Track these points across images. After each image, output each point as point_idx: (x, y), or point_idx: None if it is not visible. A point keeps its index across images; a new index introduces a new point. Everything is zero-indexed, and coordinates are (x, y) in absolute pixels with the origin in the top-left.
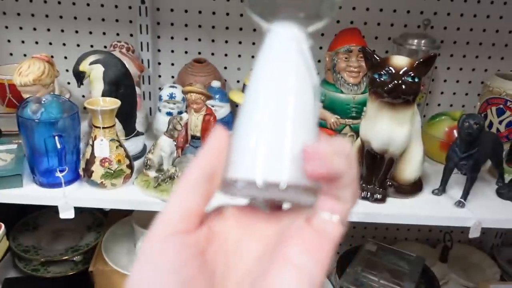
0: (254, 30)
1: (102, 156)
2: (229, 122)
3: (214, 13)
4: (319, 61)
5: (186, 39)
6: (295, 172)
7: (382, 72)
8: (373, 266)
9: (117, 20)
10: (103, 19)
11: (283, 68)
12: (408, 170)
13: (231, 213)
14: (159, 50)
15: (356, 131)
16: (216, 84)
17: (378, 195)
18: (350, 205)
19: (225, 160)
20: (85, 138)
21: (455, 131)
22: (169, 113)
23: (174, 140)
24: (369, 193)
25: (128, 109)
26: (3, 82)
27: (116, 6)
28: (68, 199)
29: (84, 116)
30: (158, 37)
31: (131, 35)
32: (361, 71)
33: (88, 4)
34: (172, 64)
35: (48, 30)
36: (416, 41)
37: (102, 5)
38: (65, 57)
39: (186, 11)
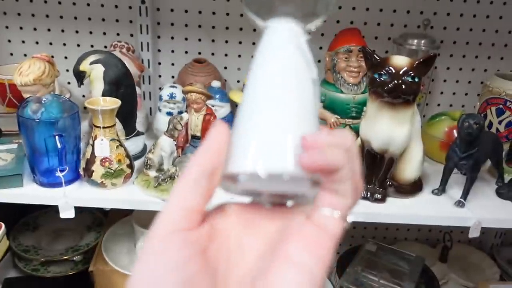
0: (254, 30)
1: (103, 155)
2: (229, 122)
3: (214, 13)
4: (319, 61)
5: (186, 39)
6: (298, 163)
7: (382, 72)
8: (373, 266)
9: (117, 20)
10: (103, 19)
11: (282, 61)
12: (408, 170)
13: (233, 210)
14: (159, 50)
15: (356, 131)
16: (216, 84)
17: (378, 195)
18: (351, 201)
19: (226, 155)
20: (85, 138)
21: (455, 131)
22: (169, 113)
23: (174, 140)
24: (369, 193)
25: (129, 109)
26: (3, 82)
27: (116, 6)
28: (68, 198)
29: (85, 116)
30: (158, 37)
31: (131, 35)
32: (361, 71)
33: (88, 4)
34: (172, 64)
35: (49, 30)
36: (416, 41)
37: (102, 5)
38: (66, 57)
39: (186, 11)
